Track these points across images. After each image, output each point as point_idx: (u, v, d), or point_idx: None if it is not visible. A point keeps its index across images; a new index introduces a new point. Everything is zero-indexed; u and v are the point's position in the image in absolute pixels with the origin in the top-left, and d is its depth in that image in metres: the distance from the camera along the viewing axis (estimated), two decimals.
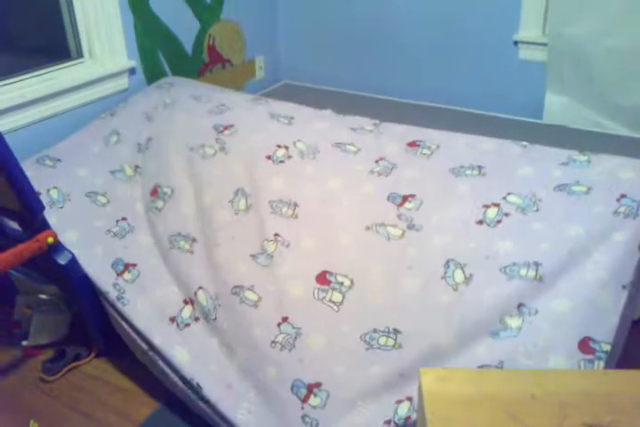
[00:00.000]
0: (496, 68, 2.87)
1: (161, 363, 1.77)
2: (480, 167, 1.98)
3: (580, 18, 2.54)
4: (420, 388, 1.09)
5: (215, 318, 1.77)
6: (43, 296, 2.15)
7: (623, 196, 1.78)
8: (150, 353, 1.79)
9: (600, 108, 2.66)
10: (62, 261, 1.86)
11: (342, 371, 1.61)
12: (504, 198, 1.84)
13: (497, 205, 1.82)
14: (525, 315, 1.56)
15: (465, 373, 1.20)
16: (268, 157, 2.08)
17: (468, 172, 1.97)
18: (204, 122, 2.27)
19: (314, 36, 3.30)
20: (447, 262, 1.70)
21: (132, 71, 2.68)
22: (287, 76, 3.45)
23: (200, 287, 1.82)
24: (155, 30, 2.75)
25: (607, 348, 1.51)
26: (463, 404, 1.05)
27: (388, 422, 1.56)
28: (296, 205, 1.94)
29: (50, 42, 2.65)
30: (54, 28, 2.57)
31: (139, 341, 1.82)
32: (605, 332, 1.54)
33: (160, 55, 2.81)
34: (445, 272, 1.68)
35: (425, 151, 2.07)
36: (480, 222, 1.79)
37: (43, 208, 1.81)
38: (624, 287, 1.60)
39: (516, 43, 2.78)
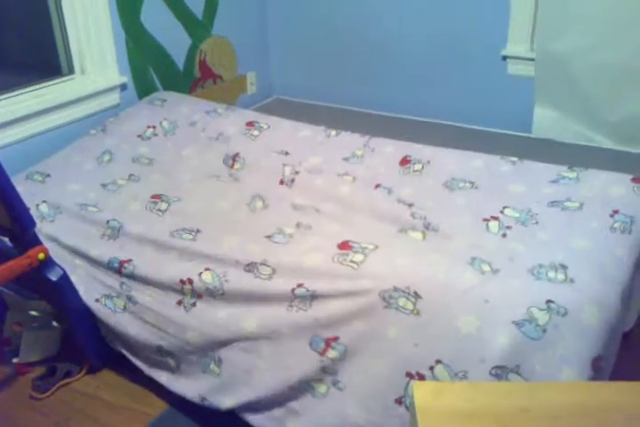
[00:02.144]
0: (485, 83, 2.91)
1: (176, 355, 1.80)
2: (472, 182, 2.01)
3: (566, 34, 2.58)
4: (412, 402, 1.09)
5: (223, 293, 1.76)
6: (33, 313, 2.14)
7: (616, 212, 1.80)
8: (165, 346, 1.81)
9: (588, 123, 2.69)
10: (53, 277, 1.85)
11: (359, 327, 1.61)
12: (501, 212, 1.87)
13: (496, 218, 1.85)
14: (554, 313, 1.49)
15: (458, 386, 1.20)
16: (281, 182, 2.19)
17: (461, 184, 2.01)
18: (211, 155, 2.35)
19: (305, 52, 3.33)
20: (473, 260, 1.68)
21: (123, 87, 2.69)
22: (278, 91, 3.48)
23: (207, 268, 1.81)
24: (146, 46, 2.77)
25: (606, 364, 1.51)
26: (457, 418, 1.05)
27: (400, 401, 1.55)
28: (317, 209, 2.01)
29: (41, 58, 2.66)
30: (46, 45, 2.59)
31: (151, 340, 1.83)
32: (612, 350, 1.53)
33: (151, 71, 2.83)
34: (472, 265, 1.65)
35: (417, 167, 2.12)
36: (486, 232, 1.81)
37: (34, 224, 1.81)
38: (624, 303, 1.60)
39: (504, 58, 2.82)
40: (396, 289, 1.60)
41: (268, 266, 1.74)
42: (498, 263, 1.66)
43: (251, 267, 1.76)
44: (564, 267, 1.62)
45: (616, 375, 1.64)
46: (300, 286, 1.68)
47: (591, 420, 1.02)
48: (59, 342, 2.13)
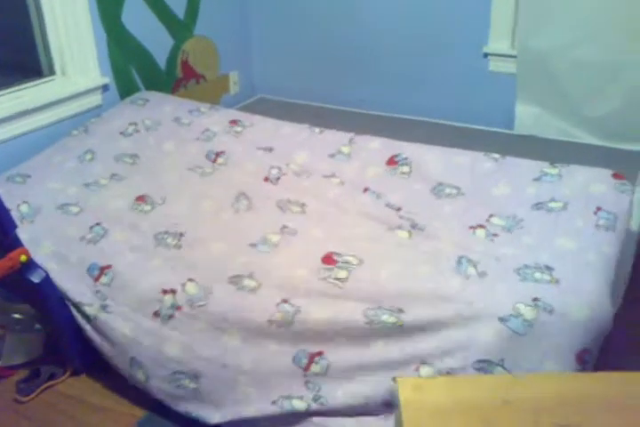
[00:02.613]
0: (467, 80, 2.91)
1: (148, 367, 1.76)
2: (458, 188, 2.01)
3: (547, 31, 2.60)
4: (397, 397, 1.09)
5: (204, 304, 1.73)
6: (16, 316, 2.12)
7: (599, 209, 1.82)
8: (138, 358, 1.78)
9: (569, 119, 2.71)
10: (36, 279, 1.84)
11: (343, 342, 1.61)
12: (487, 221, 1.88)
13: (483, 226, 1.86)
14: (541, 309, 1.51)
15: (441, 381, 1.21)
16: (266, 179, 2.17)
17: (447, 190, 2.02)
18: (194, 150, 2.33)
19: (287, 51, 3.33)
20: (459, 259, 1.69)
21: (105, 88, 2.67)
22: (262, 90, 3.47)
23: (190, 279, 1.78)
24: (128, 47, 2.75)
25: (593, 360, 1.52)
26: (440, 412, 1.06)
27: (388, 403, 1.55)
28: (304, 204, 2.01)
29: (21, 59, 2.64)
30: (26, 46, 2.57)
31: (122, 351, 1.80)
32: (599, 345, 1.54)
33: (134, 72, 2.81)
34: (459, 266, 1.67)
35: (404, 170, 2.12)
36: (473, 237, 1.82)
37: (15, 226, 1.80)
38: (614, 299, 1.61)
39: (486, 55, 2.83)
40: (380, 308, 1.61)
41: (254, 279, 1.74)
42: (484, 265, 1.67)
43: (236, 279, 1.75)
44: (549, 268, 1.63)
45: (596, 366, 1.66)
46: (284, 301, 1.67)
47: (572, 410, 1.03)
48: (42, 345, 2.11)
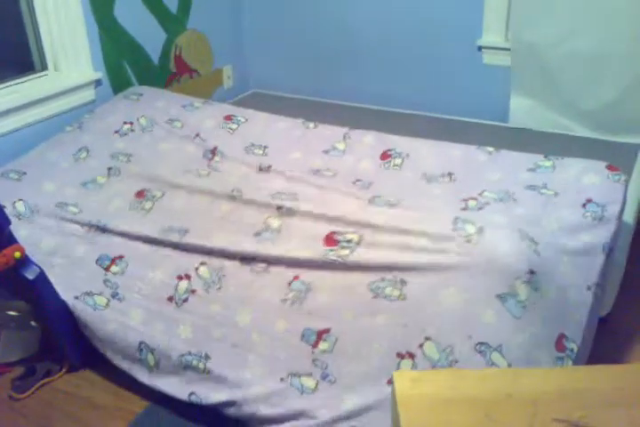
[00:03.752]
0: (461, 74, 2.91)
1: (158, 351, 1.77)
2: (450, 174, 2.02)
3: (540, 23, 2.59)
4: (393, 391, 1.09)
5: (220, 288, 1.80)
6: (11, 313, 2.11)
7: (589, 200, 1.83)
8: (148, 342, 1.79)
9: (563, 111, 2.71)
10: (30, 275, 1.83)
11: (349, 318, 1.65)
12: (479, 194, 1.90)
13: (475, 198, 1.89)
14: (532, 287, 1.54)
15: (438, 373, 1.20)
16: (260, 169, 2.20)
17: (439, 178, 2.03)
18: (190, 149, 2.34)
19: (280, 45, 3.32)
20: (455, 219, 1.72)
21: (98, 83, 2.66)
22: (255, 84, 3.46)
23: (202, 263, 1.84)
24: (120, 41, 2.73)
25: (574, 346, 1.53)
26: (438, 406, 1.06)
27: (391, 382, 1.55)
28: (295, 194, 2.02)
29: (13, 55, 2.62)
30: (17, 41, 2.55)
31: (131, 337, 1.81)
32: (575, 330, 1.56)
33: (127, 66, 2.79)
34: (455, 226, 1.70)
35: (397, 162, 2.13)
36: (464, 209, 1.84)
37: (9, 223, 1.78)
38: (589, 288, 1.63)
39: (479, 48, 2.83)
40: (383, 280, 1.64)
41: (263, 260, 1.78)
42: (481, 222, 1.69)
43: (247, 260, 1.80)
44: (534, 241, 1.66)
45: (594, 358, 1.66)
46: (296, 278, 1.72)
47: (573, 404, 1.03)
48: (37, 342, 2.10)
